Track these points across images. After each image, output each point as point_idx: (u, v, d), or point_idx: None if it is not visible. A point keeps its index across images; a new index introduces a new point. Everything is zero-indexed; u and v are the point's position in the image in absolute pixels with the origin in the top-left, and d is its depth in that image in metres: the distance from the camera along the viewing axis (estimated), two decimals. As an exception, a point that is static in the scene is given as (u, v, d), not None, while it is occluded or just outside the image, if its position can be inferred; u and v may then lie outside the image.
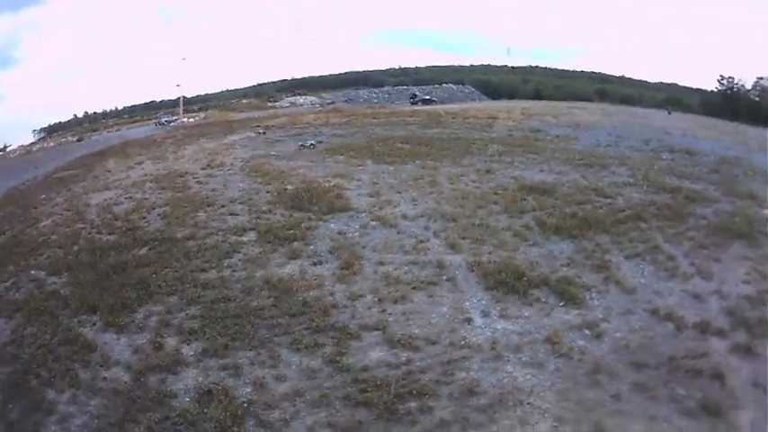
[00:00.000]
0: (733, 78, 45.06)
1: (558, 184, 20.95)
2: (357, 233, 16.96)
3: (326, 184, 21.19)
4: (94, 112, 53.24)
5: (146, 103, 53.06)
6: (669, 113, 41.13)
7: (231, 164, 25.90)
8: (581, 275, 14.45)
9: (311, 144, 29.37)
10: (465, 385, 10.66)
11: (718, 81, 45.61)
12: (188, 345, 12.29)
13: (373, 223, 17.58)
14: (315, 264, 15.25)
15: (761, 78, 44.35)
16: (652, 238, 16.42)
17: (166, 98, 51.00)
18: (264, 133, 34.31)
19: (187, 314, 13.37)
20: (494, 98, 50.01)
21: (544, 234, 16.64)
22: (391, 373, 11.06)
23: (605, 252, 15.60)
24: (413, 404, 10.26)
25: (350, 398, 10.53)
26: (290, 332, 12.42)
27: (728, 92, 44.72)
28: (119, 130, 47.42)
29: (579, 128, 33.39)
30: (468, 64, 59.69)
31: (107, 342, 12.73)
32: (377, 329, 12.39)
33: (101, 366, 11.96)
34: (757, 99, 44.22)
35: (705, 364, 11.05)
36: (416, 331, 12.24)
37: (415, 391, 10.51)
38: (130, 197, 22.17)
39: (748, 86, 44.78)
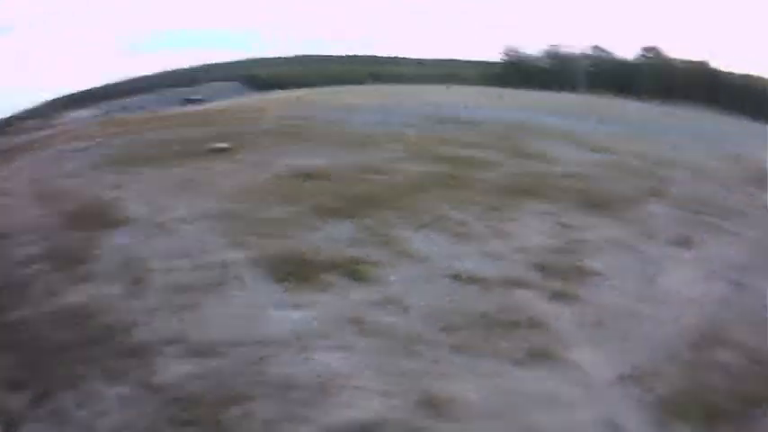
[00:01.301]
0: (517, 48, 49.71)
1: (332, 167, 21.48)
2: (141, 244, 16.25)
3: (106, 198, 20.43)
4: None
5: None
6: (447, 88, 44.03)
7: (20, 189, 24.25)
8: (369, 254, 14.52)
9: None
10: (280, 381, 10.13)
11: (504, 52, 49.98)
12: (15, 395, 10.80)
13: (155, 231, 17.00)
14: (106, 283, 14.26)
15: (553, 45, 49.37)
16: (437, 208, 17.02)
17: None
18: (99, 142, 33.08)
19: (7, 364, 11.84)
20: (264, 90, 51.50)
21: (323, 218, 16.75)
22: (204, 384, 10.24)
23: (391, 227, 15.93)
24: (235, 412, 9.54)
25: (175, 420, 9.62)
26: (98, 361, 11.21)
27: (514, 61, 49.14)
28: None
29: (351, 110, 34.77)
30: (236, 59, 61.46)
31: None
32: (177, 342, 11.58)
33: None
34: (546, 66, 49.02)
35: (522, 315, 11.41)
36: (216, 337, 11.60)
37: (232, 397, 9.82)
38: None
39: (537, 54, 49.71)
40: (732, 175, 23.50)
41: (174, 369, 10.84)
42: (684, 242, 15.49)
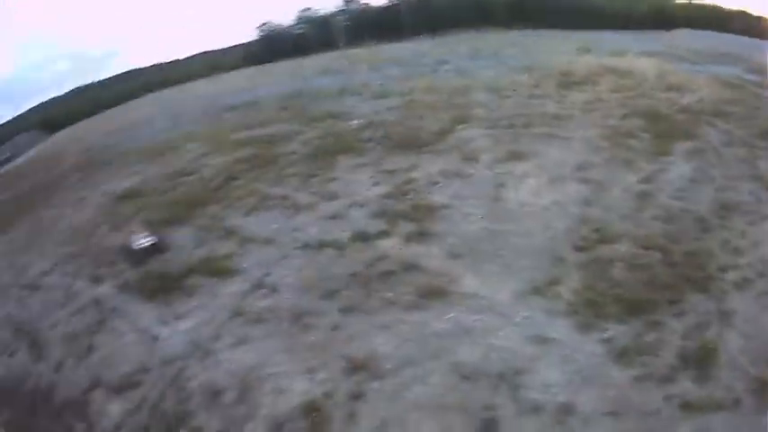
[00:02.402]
0: (270, 22, 48.74)
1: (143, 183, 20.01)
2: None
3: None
4: None
5: None
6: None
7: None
8: (217, 249, 13.86)
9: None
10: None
11: (259, 29, 48.92)
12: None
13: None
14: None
15: (304, 10, 48.89)
16: (256, 190, 16.44)
17: None
18: None
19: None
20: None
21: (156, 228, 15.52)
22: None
23: (223, 219, 15.16)
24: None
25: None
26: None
27: (269, 35, 48.11)
28: None
29: (140, 126, 32.14)
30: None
31: None
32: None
33: None
34: (302, 31, 48.46)
35: (392, 264, 11.61)
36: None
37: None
38: None
39: (291, 22, 49.04)
40: (529, 83, 23.70)
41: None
42: (514, 156, 15.85)
